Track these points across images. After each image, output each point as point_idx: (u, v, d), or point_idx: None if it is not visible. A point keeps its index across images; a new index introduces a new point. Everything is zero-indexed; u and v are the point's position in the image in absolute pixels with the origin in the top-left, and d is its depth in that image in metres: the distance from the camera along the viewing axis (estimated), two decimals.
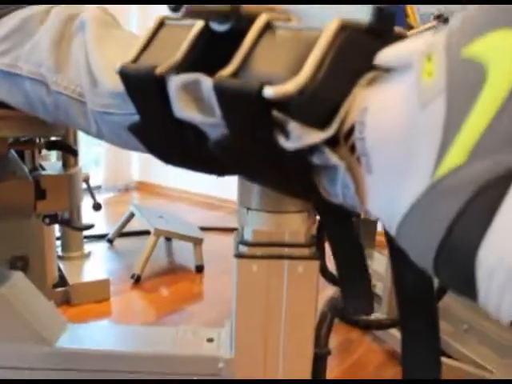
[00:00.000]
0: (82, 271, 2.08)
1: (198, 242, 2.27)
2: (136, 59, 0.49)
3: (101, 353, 0.96)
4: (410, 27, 0.99)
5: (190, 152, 0.50)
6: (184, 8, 0.39)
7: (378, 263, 1.85)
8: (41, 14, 0.71)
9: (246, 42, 0.41)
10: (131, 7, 3.59)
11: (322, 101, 0.36)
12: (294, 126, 0.36)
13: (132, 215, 2.55)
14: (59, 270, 2.01)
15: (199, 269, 2.26)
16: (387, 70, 0.37)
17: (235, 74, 0.40)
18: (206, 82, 0.41)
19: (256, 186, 0.86)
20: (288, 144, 0.37)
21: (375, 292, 1.82)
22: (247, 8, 0.43)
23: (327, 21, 0.38)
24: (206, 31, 0.46)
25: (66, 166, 1.04)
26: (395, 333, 1.59)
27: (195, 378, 0.94)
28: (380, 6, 0.37)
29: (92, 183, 1.78)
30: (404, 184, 0.32)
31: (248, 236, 0.88)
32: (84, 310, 1.89)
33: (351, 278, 0.56)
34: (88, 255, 2.17)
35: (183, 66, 0.45)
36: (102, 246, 2.57)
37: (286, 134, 0.37)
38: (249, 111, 0.38)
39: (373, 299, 0.58)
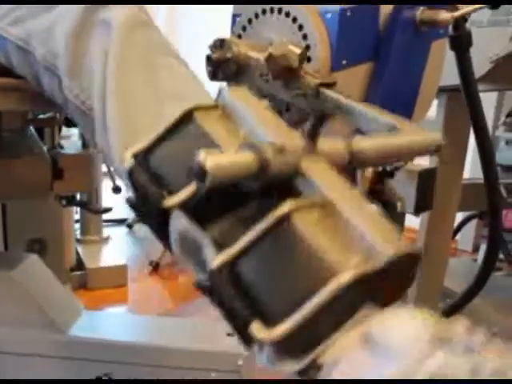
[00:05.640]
0: (100, 256, 2.04)
1: None
2: (148, 152, 0.45)
3: (116, 344, 0.92)
4: (456, 8, 0.92)
5: None
6: (208, 177, 0.35)
7: None
8: None
9: (256, 229, 0.38)
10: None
11: (304, 341, 0.35)
12: (271, 352, 0.35)
13: None
14: (77, 253, 1.97)
15: None
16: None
17: (230, 268, 0.38)
18: (207, 253, 0.39)
19: None
20: (259, 357, 0.36)
21: None
22: (275, 164, 0.38)
23: None
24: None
25: (85, 145, 0.99)
26: None
27: (213, 375, 0.89)
28: (402, 253, 0.34)
29: None
30: None
31: None
32: (100, 296, 1.86)
33: None
34: (107, 239, 2.14)
35: (190, 206, 0.42)
36: (121, 230, 2.53)
37: (261, 349, 0.36)
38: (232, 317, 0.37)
39: None
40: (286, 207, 0.38)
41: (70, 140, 1.23)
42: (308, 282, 0.35)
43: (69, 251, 1.85)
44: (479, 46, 1.05)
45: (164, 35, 0.62)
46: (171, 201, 0.42)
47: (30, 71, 0.66)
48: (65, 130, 1.25)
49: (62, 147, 0.97)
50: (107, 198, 1.98)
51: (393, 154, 0.44)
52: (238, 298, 0.37)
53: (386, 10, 0.73)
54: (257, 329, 0.35)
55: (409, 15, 0.72)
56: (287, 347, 0.35)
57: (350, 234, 0.36)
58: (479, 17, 1.21)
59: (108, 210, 1.60)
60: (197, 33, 3.23)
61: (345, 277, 0.33)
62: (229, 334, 0.95)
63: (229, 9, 0.80)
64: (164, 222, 0.43)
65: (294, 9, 0.70)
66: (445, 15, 0.72)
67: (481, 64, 1.28)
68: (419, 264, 0.36)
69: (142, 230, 2.55)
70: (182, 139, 0.46)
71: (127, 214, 2.64)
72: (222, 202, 0.42)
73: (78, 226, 2.10)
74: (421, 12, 0.72)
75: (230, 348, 0.92)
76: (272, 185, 0.39)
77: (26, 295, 0.89)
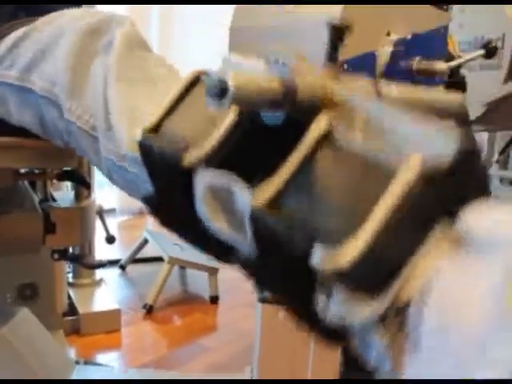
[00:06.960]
0: (93, 300, 2.00)
1: (213, 272, 2.19)
2: (159, 123, 0.42)
3: None
4: (451, 56, 0.92)
5: (211, 245, 0.43)
6: (229, 95, 0.31)
7: None
8: (49, 18, 0.64)
9: (295, 155, 0.33)
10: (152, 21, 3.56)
11: (380, 268, 0.29)
12: (339, 290, 0.30)
13: (146, 241, 2.48)
14: (69, 297, 1.94)
15: (214, 300, 2.18)
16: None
17: (275, 201, 0.33)
18: (242, 198, 0.35)
19: None
20: (330, 307, 0.31)
21: None
22: (303, 90, 0.34)
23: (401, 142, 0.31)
24: (245, 115, 0.38)
25: (78, 197, 0.97)
26: None
27: None
28: (466, 147, 0.30)
29: (106, 206, 1.71)
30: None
31: None
32: (93, 341, 1.82)
33: None
34: (99, 282, 2.10)
35: (216, 159, 0.38)
36: (114, 272, 2.49)
37: (328, 293, 0.31)
38: (289, 263, 0.32)
39: None
40: (322, 122, 0.34)
41: (63, 191, 1.21)
42: (368, 192, 0.30)
43: (61, 296, 1.81)
44: (472, 89, 1.05)
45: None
46: (194, 155, 0.38)
47: (30, 112, 0.64)
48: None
49: (54, 199, 0.95)
50: (100, 243, 1.95)
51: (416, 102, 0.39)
52: (290, 228, 0.31)
53: (382, 60, 0.72)
54: (322, 258, 0.29)
55: (405, 65, 0.72)
56: (362, 278, 0.29)
57: (402, 136, 0.31)
58: (472, 61, 1.22)
59: (102, 264, 1.56)
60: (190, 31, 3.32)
61: (409, 172, 0.29)
62: None
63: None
64: (187, 186, 0.39)
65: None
66: (441, 65, 0.72)
67: (475, 107, 1.29)
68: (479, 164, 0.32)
69: (135, 271, 2.52)
70: (194, 103, 0.43)
71: (120, 255, 2.61)
72: (248, 152, 0.38)
73: (69, 268, 2.06)
74: (417, 62, 0.72)
75: None
76: (298, 123, 0.34)
77: (15, 353, 0.87)
